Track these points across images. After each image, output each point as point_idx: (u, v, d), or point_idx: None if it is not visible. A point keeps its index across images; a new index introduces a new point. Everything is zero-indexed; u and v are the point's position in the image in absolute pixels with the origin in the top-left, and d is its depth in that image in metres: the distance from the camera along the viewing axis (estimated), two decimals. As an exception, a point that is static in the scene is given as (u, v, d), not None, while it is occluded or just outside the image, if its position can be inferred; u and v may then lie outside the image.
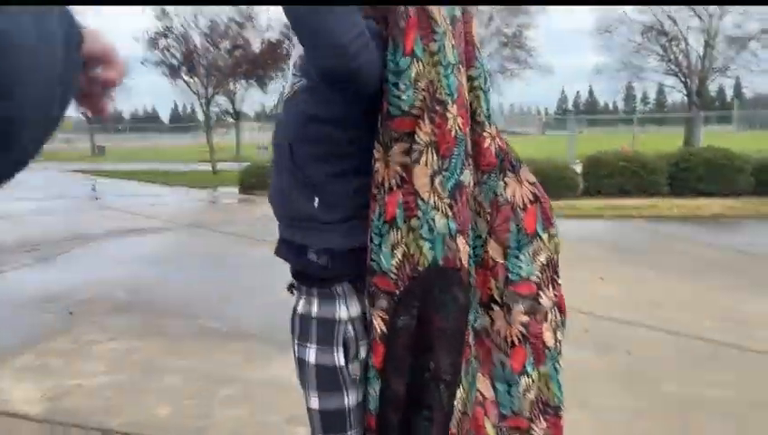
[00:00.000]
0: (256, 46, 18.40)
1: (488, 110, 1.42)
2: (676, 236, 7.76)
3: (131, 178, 18.36)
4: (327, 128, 1.25)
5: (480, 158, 1.41)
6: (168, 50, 17.58)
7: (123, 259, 6.88)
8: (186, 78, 18.85)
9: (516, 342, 1.41)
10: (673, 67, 25.56)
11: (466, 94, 1.33)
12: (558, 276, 1.48)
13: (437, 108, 1.24)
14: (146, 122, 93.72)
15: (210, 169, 19.22)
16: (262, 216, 9.83)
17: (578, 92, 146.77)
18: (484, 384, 1.40)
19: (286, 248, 1.35)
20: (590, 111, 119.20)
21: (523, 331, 1.40)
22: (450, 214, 1.27)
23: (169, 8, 16.73)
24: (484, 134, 1.41)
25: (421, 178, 1.25)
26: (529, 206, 1.44)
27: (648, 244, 7.48)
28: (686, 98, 26.47)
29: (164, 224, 9.50)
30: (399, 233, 1.26)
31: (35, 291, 5.40)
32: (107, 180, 17.69)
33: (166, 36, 17.35)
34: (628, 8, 24.30)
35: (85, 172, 20.81)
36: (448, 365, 1.27)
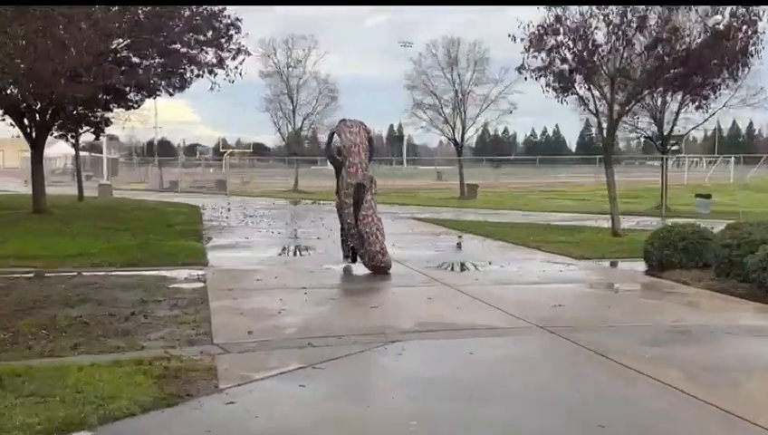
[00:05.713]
0: (693, 39, 11.68)
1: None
2: None
3: (497, 235, 12.75)
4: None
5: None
6: (559, 49, 11.55)
7: (409, 376, 4.43)
8: (580, 91, 12.48)
9: None
10: None
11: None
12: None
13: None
14: (539, 153, 72.23)
15: (610, 226, 12.64)
16: (672, 328, 5.42)
17: None
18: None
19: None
20: None
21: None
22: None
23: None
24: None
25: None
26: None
27: None
28: None
29: (506, 320, 6.09)
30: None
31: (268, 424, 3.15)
32: (457, 235, 13.58)
33: (556, 32, 11.39)
34: None
35: (436, 223, 16.13)
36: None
